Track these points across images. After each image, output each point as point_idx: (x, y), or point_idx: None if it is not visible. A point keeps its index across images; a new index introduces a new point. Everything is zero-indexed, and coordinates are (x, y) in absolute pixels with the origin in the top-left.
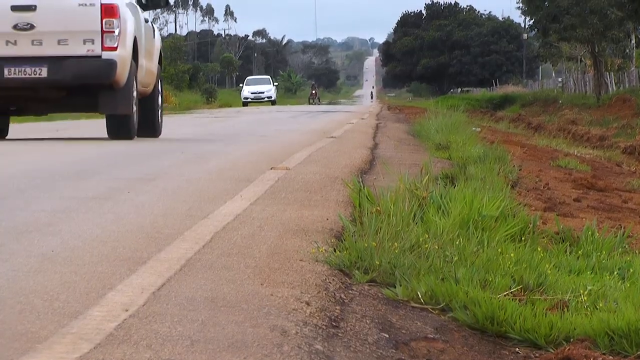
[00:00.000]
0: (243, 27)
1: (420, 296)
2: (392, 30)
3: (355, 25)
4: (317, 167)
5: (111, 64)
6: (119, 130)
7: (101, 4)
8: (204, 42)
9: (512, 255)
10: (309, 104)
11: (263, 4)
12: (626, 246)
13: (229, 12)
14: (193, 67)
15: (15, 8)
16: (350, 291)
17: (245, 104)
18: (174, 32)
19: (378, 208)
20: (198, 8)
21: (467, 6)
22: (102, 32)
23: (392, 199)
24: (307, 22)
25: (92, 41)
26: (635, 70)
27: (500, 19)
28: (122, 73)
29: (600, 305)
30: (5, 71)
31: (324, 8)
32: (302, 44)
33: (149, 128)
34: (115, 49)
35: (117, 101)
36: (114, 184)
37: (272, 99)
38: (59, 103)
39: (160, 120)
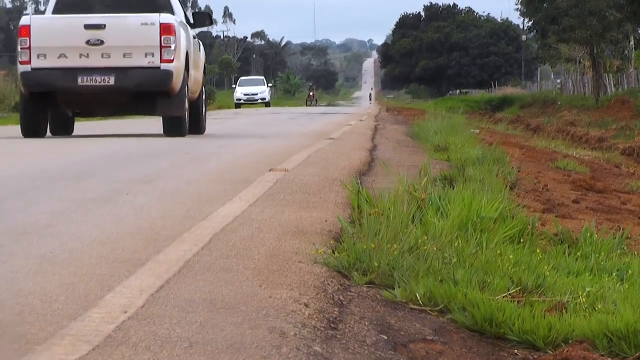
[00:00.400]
0: (242, 29)
1: (418, 298)
2: (390, 32)
3: (354, 26)
4: (315, 169)
5: (168, 74)
6: (173, 129)
7: (160, 24)
8: (203, 43)
9: (510, 256)
10: (307, 105)
11: (262, 5)
12: (625, 247)
13: (227, 14)
14: None
15: (87, 26)
16: (348, 293)
17: (237, 106)
18: None
19: (377, 210)
20: (197, 9)
21: (465, 8)
22: (161, 47)
23: (390, 200)
24: (306, 23)
25: (153, 54)
26: (634, 71)
27: (499, 20)
28: (177, 81)
29: (599, 306)
30: (79, 79)
31: (323, 9)
32: (301, 46)
33: (196, 127)
34: (171, 61)
35: (172, 105)
36: (113, 186)
37: (266, 100)
38: (123, 107)
39: (204, 120)
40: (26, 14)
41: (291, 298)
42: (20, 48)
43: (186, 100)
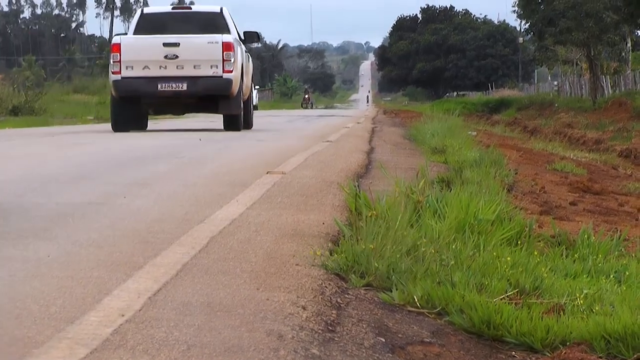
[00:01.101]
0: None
1: (416, 300)
2: (387, 34)
3: (351, 29)
4: (313, 172)
5: (229, 82)
6: (231, 125)
7: (222, 42)
8: None
9: (508, 259)
10: (302, 108)
11: (258, 8)
12: (622, 249)
13: None
14: None
15: (165, 44)
16: (346, 295)
17: None
18: None
19: (374, 212)
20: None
21: (462, 10)
22: (223, 60)
23: (388, 203)
24: (303, 26)
25: (217, 66)
26: (631, 73)
27: (496, 22)
28: (235, 87)
29: (597, 308)
30: (159, 86)
31: (320, 12)
32: (298, 48)
33: (246, 123)
34: (231, 72)
35: (231, 106)
36: (110, 189)
37: (254, 104)
38: (192, 107)
39: (252, 118)
40: (117, 34)
41: (289, 301)
42: (113, 61)
43: (241, 102)
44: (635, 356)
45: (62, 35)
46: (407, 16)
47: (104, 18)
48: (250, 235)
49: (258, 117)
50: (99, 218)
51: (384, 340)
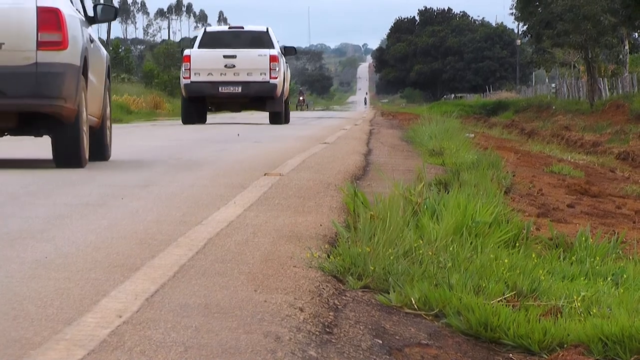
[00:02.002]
0: None
1: (413, 302)
2: (385, 37)
3: (349, 31)
4: (310, 173)
5: (274, 86)
6: (276, 120)
7: (270, 55)
8: None
9: (505, 261)
10: (297, 109)
11: (256, 10)
12: (620, 252)
13: (222, 18)
14: None
15: (225, 56)
16: (343, 297)
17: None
18: (167, 38)
19: (372, 214)
20: (191, 14)
21: (460, 12)
22: (270, 69)
23: (386, 205)
24: (301, 28)
25: (265, 73)
26: (629, 76)
27: (494, 25)
28: (279, 90)
29: (594, 311)
30: (219, 89)
31: (318, 14)
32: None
33: (286, 119)
34: (276, 78)
35: (275, 105)
36: (108, 190)
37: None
38: (245, 105)
39: (289, 115)
40: (187, 48)
41: (286, 302)
42: (184, 69)
43: (283, 102)
44: (632, 358)
45: None
46: (404, 18)
47: None
48: (248, 237)
49: (253, 120)
50: (96, 219)
51: (381, 342)
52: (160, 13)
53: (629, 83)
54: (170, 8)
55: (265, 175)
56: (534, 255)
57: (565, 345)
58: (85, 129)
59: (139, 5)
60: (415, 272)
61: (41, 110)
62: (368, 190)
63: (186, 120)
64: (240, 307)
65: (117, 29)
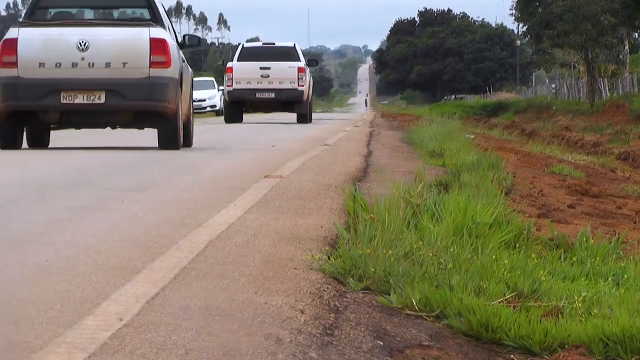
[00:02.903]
0: (236, 35)
1: (414, 303)
2: (385, 38)
3: (349, 32)
4: (311, 175)
5: (302, 92)
6: (302, 120)
7: (297, 67)
8: (197, 50)
9: (506, 262)
10: None
11: (256, 11)
12: (620, 252)
13: (222, 21)
14: None
15: (261, 68)
16: (344, 299)
17: None
18: None
19: (372, 216)
20: (191, 16)
21: (460, 13)
22: (298, 78)
23: (386, 206)
24: (301, 29)
25: (294, 82)
26: (629, 76)
27: (494, 25)
28: (305, 96)
29: (595, 311)
30: (256, 94)
31: (317, 16)
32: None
33: (310, 119)
34: (303, 85)
35: (302, 107)
36: (108, 194)
37: (217, 108)
38: (277, 108)
39: (312, 116)
40: (230, 61)
41: (287, 304)
42: (227, 78)
43: (308, 105)
44: (633, 359)
45: None
46: (404, 19)
47: None
48: (248, 239)
49: (252, 122)
50: (96, 222)
51: (382, 343)
52: None
53: (629, 83)
54: (170, 10)
55: (265, 177)
56: (534, 256)
57: (566, 346)
58: (180, 123)
59: None
60: (416, 273)
61: (151, 109)
62: (369, 191)
63: (228, 120)
64: (240, 309)
65: None
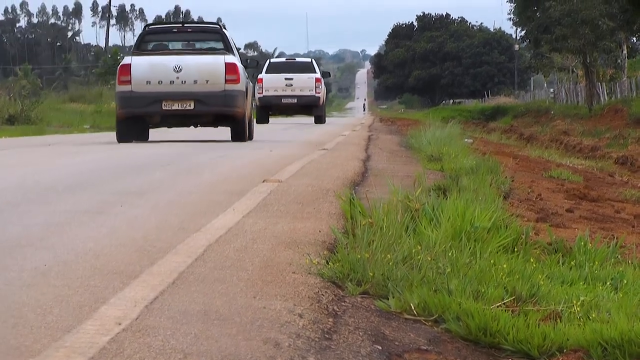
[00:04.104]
0: (235, 40)
1: (413, 308)
2: (383, 42)
3: (347, 37)
4: (309, 180)
5: (319, 98)
6: (319, 121)
7: (315, 78)
8: None
9: (504, 266)
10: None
11: (254, 16)
12: (619, 256)
13: (220, 25)
14: None
15: (286, 79)
16: (343, 303)
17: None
18: None
19: (370, 220)
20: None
21: (458, 17)
22: (315, 87)
23: (384, 210)
24: (299, 34)
25: (312, 90)
26: (627, 80)
27: (492, 30)
28: (321, 101)
29: (593, 315)
30: (282, 100)
31: (316, 20)
32: (294, 56)
33: (324, 120)
34: (319, 93)
35: (319, 110)
36: (107, 198)
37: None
38: (299, 111)
39: (325, 118)
40: (260, 73)
41: (285, 309)
42: (258, 87)
43: (324, 108)
44: None
45: (58, 44)
46: (403, 24)
47: (100, 27)
48: (247, 244)
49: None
50: (95, 226)
51: (380, 348)
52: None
53: (627, 87)
54: (168, 15)
55: (264, 181)
56: (533, 260)
57: (564, 350)
58: (247, 123)
59: (137, 12)
60: (414, 277)
61: (227, 113)
62: (367, 196)
63: (258, 122)
64: (239, 313)
65: (115, 36)
